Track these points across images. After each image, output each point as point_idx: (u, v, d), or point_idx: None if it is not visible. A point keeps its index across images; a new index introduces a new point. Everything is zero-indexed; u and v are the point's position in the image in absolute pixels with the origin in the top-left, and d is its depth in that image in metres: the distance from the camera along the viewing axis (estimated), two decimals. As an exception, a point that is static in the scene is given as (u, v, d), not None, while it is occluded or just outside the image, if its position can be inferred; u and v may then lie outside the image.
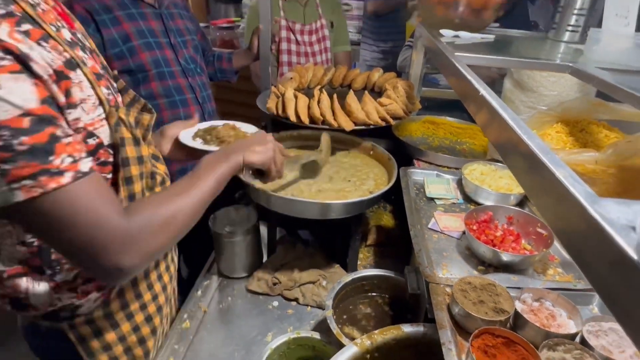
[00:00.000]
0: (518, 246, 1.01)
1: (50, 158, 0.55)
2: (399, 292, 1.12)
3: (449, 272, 0.95)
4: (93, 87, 0.70)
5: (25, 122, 0.54)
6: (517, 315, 0.77)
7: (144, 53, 1.45)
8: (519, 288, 0.85)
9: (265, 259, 1.40)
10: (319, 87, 1.59)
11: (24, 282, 0.74)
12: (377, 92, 1.60)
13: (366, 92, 1.43)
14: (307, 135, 1.50)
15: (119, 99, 0.86)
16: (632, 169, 0.89)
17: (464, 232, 1.04)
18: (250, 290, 1.28)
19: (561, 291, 0.83)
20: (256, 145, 0.93)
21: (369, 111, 1.31)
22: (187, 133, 1.11)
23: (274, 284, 1.26)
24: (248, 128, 1.21)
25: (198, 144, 1.09)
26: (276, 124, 1.51)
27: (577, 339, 0.74)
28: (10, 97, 0.52)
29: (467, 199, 1.27)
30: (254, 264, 1.35)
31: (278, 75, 2.14)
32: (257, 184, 1.10)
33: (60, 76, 0.61)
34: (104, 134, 0.72)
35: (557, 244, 1.01)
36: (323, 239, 1.48)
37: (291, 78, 1.56)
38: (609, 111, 1.13)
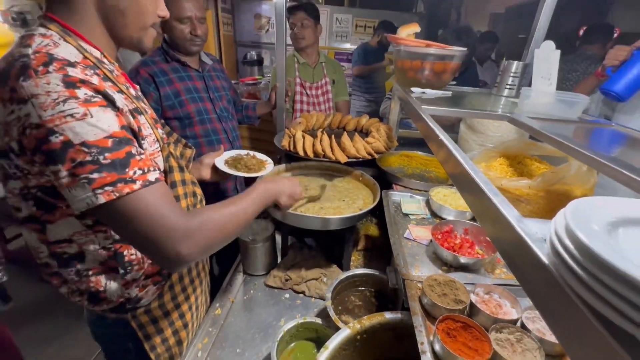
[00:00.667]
0: (473, 251, 1.00)
1: (126, 170, 0.57)
2: (382, 286, 1.11)
3: (420, 271, 0.95)
4: (152, 128, 0.72)
5: (109, 142, 0.56)
6: (472, 305, 0.77)
7: (190, 105, 1.49)
8: (473, 284, 0.85)
9: (279, 260, 1.39)
10: (321, 129, 1.61)
11: (103, 279, 0.74)
12: (364, 133, 1.60)
13: (356, 133, 1.45)
14: (311, 165, 1.51)
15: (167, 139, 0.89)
16: (556, 193, 0.91)
17: (431, 241, 1.04)
18: (267, 285, 1.26)
19: (505, 286, 0.83)
20: (290, 192, 0.95)
21: (359, 147, 1.32)
22: (220, 160, 1.13)
23: (286, 280, 1.25)
24: (262, 156, 1.25)
25: (232, 170, 1.11)
26: (288, 157, 1.53)
27: (518, 324, 0.74)
28: (99, 123, 0.55)
29: (434, 214, 1.26)
30: (271, 264, 1.34)
31: (293, 119, 2.18)
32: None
33: (132, 116, 0.64)
34: (160, 163, 0.74)
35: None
36: (324, 245, 1.47)
37: (300, 122, 1.59)
38: (539, 149, 1.15)
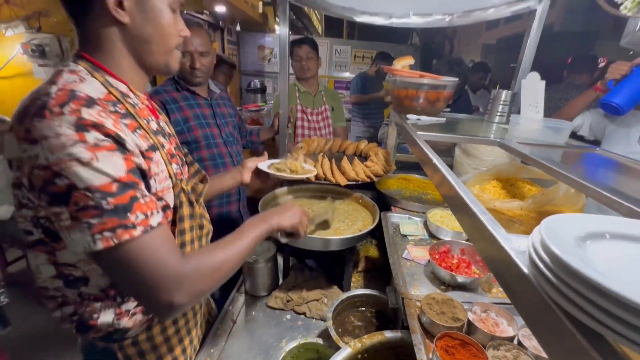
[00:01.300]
0: (469, 271, 1.02)
1: (128, 214, 0.56)
2: (382, 307, 1.11)
3: (418, 290, 0.95)
4: (166, 164, 0.72)
5: (114, 187, 0.55)
6: (469, 323, 0.78)
7: (198, 130, 1.55)
8: (470, 302, 0.86)
9: (280, 281, 1.39)
10: (321, 153, 1.64)
11: (98, 306, 0.71)
12: (363, 157, 1.64)
13: (356, 157, 1.49)
14: (313, 187, 1.54)
15: (185, 169, 0.87)
16: (547, 214, 0.93)
17: (429, 261, 1.05)
18: (269, 306, 1.25)
19: (502, 305, 0.84)
20: (287, 212, 0.90)
21: (358, 171, 1.36)
22: (263, 165, 1.16)
23: (287, 301, 1.25)
24: (305, 164, 1.28)
25: (276, 172, 1.13)
26: (291, 180, 1.56)
27: (515, 341, 0.75)
28: (106, 168, 0.54)
29: (431, 235, 1.28)
30: (272, 285, 1.33)
31: (294, 143, 2.24)
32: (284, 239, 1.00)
33: (144, 155, 0.64)
34: (169, 199, 0.73)
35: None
36: (325, 266, 1.47)
37: (301, 147, 1.63)
38: (529, 172, 1.19)
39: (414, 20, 1.81)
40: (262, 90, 4.33)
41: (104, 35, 0.64)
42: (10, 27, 2.34)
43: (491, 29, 7.55)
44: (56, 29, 2.35)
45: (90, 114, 0.55)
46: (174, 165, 0.77)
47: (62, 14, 2.26)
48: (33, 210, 0.62)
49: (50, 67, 2.42)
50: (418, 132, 1.00)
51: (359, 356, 0.84)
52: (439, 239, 1.24)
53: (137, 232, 0.56)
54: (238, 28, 4.72)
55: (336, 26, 8.27)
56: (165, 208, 0.71)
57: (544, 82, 1.17)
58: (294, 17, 5.65)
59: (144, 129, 0.68)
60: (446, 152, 2.06)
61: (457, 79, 1.34)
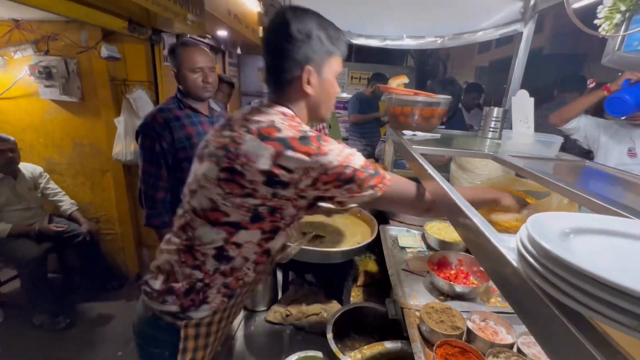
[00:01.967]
0: (467, 281, 1.03)
1: (379, 174, 0.78)
2: (382, 320, 1.07)
3: (417, 300, 0.97)
4: None
5: (365, 163, 0.77)
6: (468, 331, 0.79)
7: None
8: (468, 312, 0.87)
9: (280, 295, 1.39)
10: None
11: (221, 282, 0.80)
12: None
13: (354, 172, 1.53)
14: (312, 202, 1.57)
15: None
16: None
17: (427, 271, 1.06)
18: (268, 321, 1.25)
19: (501, 313, 0.85)
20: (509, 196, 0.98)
21: None
22: None
23: (287, 316, 1.24)
24: None
25: None
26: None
27: (514, 349, 0.75)
28: (359, 157, 0.77)
29: (429, 247, 1.29)
30: (272, 299, 1.33)
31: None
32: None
33: None
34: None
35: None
36: (324, 281, 1.47)
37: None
38: (523, 184, 1.21)
39: (408, 42, 1.89)
40: (262, 109, 4.41)
41: (294, 97, 0.83)
42: (20, 50, 2.41)
43: (483, 52, 7.81)
44: (64, 51, 2.42)
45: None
46: None
47: (70, 37, 2.35)
48: (259, 199, 0.73)
49: (56, 87, 2.48)
50: (414, 146, 1.03)
51: (360, 367, 0.83)
52: (437, 251, 1.25)
53: (387, 180, 0.79)
54: (239, 51, 4.87)
55: (333, 49, 8.51)
56: None
57: (532, 99, 1.22)
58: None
59: None
60: (442, 167, 2.10)
61: (450, 97, 1.39)
